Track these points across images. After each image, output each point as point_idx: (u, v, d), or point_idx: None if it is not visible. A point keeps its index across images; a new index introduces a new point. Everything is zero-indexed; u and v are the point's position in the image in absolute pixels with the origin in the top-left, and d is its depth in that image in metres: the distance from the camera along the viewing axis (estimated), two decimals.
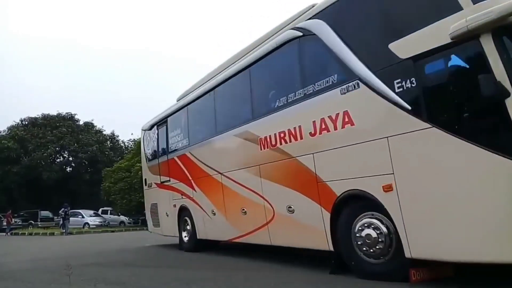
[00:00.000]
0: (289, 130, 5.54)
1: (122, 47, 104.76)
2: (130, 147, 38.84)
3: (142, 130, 11.31)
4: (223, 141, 7.26)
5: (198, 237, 8.39)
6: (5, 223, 26.38)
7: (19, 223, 29.58)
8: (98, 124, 42.69)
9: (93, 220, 28.33)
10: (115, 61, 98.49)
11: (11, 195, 36.01)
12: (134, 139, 40.13)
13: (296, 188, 5.43)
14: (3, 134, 38.65)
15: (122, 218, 30.27)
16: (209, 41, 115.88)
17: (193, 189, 8.28)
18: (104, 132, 42.53)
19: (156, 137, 10.14)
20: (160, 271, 6.34)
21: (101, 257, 8.76)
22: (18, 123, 39.90)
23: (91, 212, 30.41)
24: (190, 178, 8.40)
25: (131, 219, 29.99)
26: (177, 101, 9.46)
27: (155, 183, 10.23)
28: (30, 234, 23.53)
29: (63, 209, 22.20)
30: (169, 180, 9.34)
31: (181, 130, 8.97)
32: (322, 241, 5.03)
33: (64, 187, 36.90)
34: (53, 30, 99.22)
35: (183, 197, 8.71)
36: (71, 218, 23.79)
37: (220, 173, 7.20)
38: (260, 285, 4.83)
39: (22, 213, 31.76)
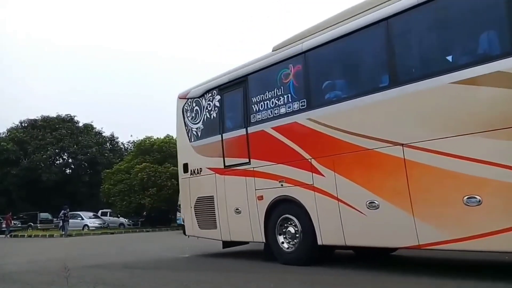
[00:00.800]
0: None
1: (122, 48, 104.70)
2: (130, 149, 38.72)
3: (181, 98, 8.18)
4: (414, 95, 4.53)
5: (320, 243, 5.49)
6: (4, 225, 25.80)
7: (19, 225, 28.36)
8: (97, 126, 42.19)
9: (93, 222, 27.75)
10: (114, 61, 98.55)
11: (10, 197, 34.52)
12: (133, 141, 40.00)
13: None
14: (3, 136, 37.66)
15: (122, 220, 29.43)
16: (209, 41, 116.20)
17: (316, 172, 5.53)
18: (103, 134, 40.60)
19: (217, 105, 7.23)
20: (159, 273, 6.06)
21: (101, 259, 8.38)
22: (17, 125, 38.30)
23: (91, 214, 29.38)
24: (309, 157, 5.59)
25: (130, 221, 28.85)
26: (274, 51, 6.42)
27: (209, 168, 7.31)
28: (30, 236, 22.45)
29: (62, 211, 21.41)
30: (248, 163, 6.46)
31: (284, 90, 6.07)
32: None
33: (64, 189, 35.10)
34: (52, 31, 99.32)
35: (285, 184, 5.93)
36: (70, 220, 22.92)
37: (401, 145, 4.62)
38: (259, 286, 4.66)
39: (21, 215, 30.54)
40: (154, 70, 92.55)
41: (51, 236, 21.34)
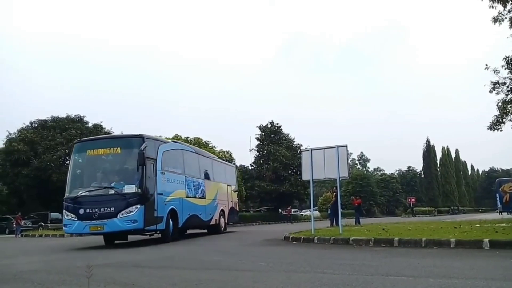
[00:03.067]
0: None
1: (127, 48, 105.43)
2: None
3: None
4: None
5: None
6: (14, 225, 25.86)
7: (29, 225, 28.55)
8: (107, 126, 42.95)
9: None
10: (124, 61, 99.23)
11: (21, 197, 34.67)
12: None
13: None
14: (13, 136, 39.08)
15: None
16: (209, 41, 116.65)
17: None
18: (113, 134, 43.13)
19: None
20: (168, 272, 6.10)
21: (111, 258, 8.45)
22: (28, 126, 39.46)
23: None
24: None
25: None
26: None
27: None
28: (40, 235, 22.65)
29: None
30: None
31: None
32: None
33: None
34: (62, 30, 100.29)
35: None
36: None
37: None
38: (268, 285, 4.70)
39: (32, 215, 30.78)
40: (157, 70, 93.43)
41: (62, 235, 21.58)
